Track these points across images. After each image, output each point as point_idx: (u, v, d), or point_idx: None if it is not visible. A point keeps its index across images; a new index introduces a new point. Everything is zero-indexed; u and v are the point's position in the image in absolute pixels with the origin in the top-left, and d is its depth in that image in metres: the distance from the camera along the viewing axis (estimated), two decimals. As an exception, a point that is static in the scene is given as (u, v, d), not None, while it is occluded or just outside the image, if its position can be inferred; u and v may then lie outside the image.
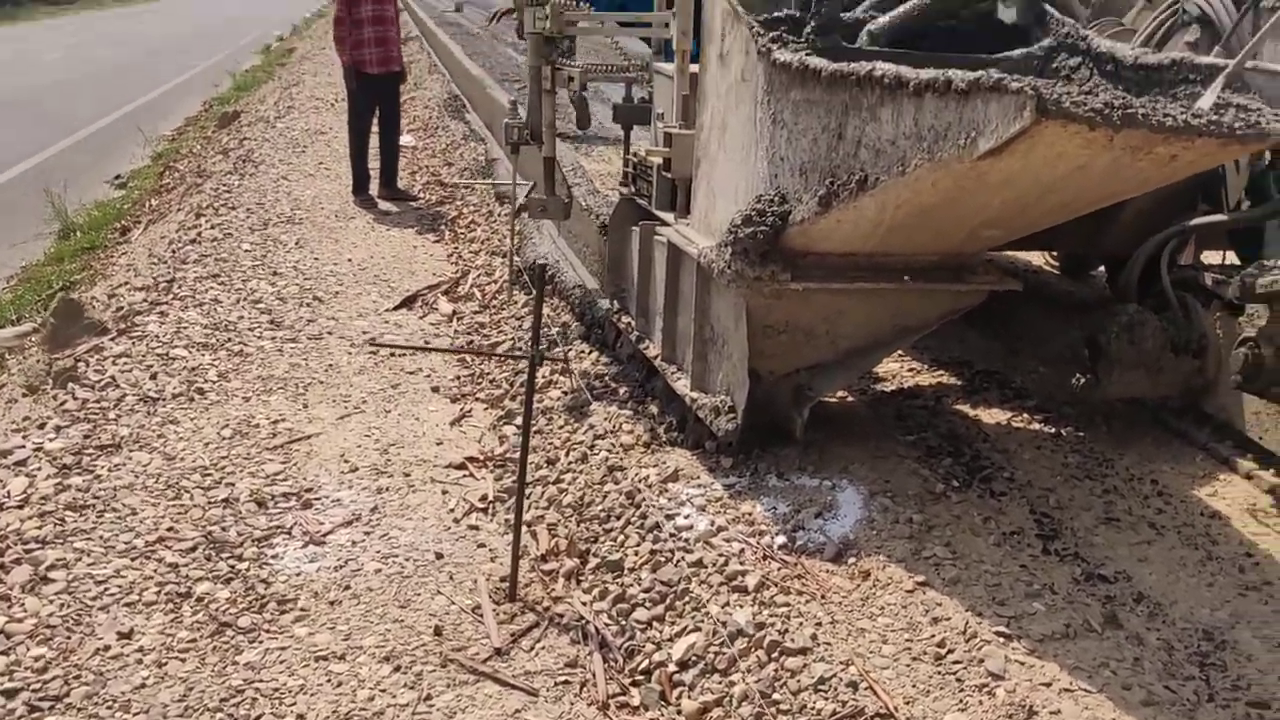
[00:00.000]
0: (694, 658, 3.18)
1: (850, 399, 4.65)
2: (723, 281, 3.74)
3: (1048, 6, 3.97)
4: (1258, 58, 3.59)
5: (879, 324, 3.88)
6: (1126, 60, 3.53)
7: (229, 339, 5.94)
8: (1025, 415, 4.49)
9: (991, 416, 4.48)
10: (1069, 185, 3.09)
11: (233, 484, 4.38)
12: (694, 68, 4.35)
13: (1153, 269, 4.29)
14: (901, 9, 3.91)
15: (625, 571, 3.63)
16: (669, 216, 4.49)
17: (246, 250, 7.66)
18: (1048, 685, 2.85)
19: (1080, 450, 4.17)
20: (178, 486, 4.31)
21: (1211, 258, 4.73)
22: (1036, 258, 6.67)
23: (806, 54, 3.44)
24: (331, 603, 3.64)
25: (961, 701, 2.82)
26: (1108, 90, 3.21)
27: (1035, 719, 2.72)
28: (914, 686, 2.88)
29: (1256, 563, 3.47)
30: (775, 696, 2.92)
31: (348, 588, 3.73)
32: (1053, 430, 4.35)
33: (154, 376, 5.35)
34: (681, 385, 4.23)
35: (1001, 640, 3.02)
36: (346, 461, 4.65)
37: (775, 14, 3.81)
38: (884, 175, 3.09)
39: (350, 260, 7.62)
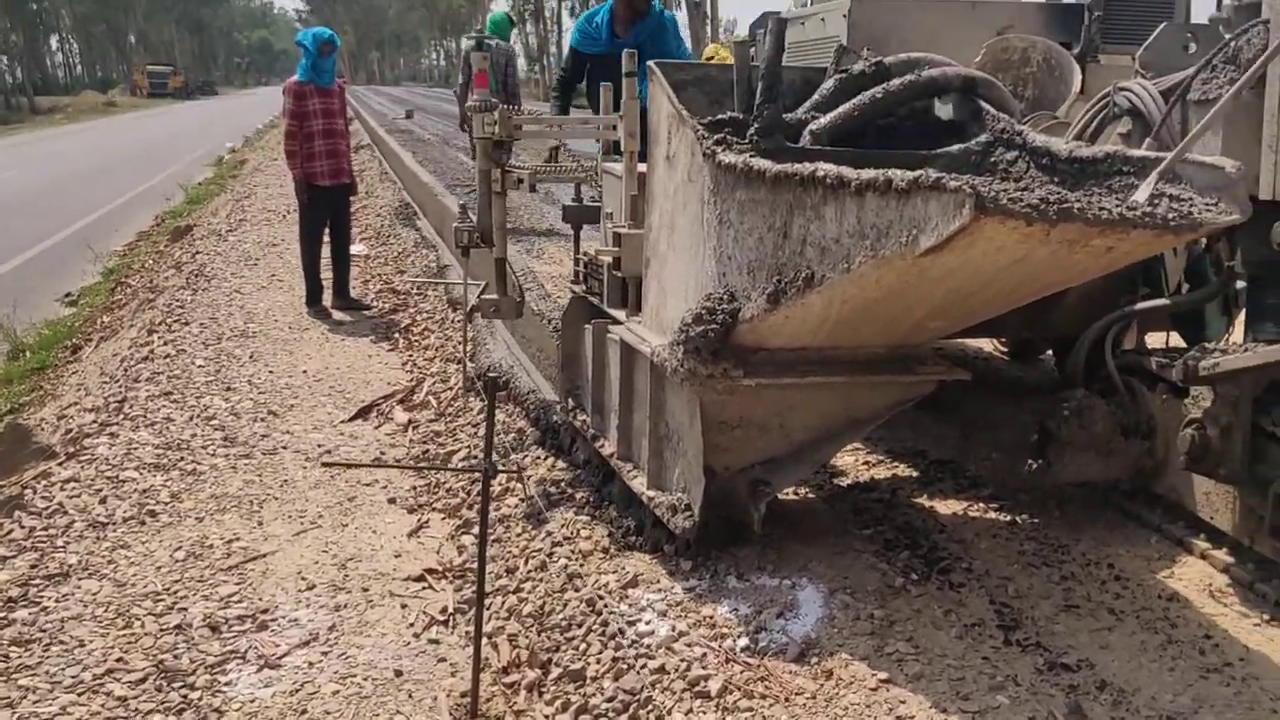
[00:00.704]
0: (659, 769, 3.13)
1: (808, 495, 4.66)
2: (676, 379, 3.76)
3: (983, 103, 4.07)
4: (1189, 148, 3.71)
5: (831, 416, 3.91)
6: (1061, 154, 3.62)
7: (181, 458, 5.88)
8: (980, 504, 4.52)
9: (947, 507, 4.50)
10: (1009, 276, 3.15)
11: (185, 609, 4.30)
12: (642, 168, 4.42)
13: (1098, 354, 4.35)
14: (841, 109, 3.99)
15: (588, 681, 3.58)
16: (621, 314, 4.52)
17: (200, 366, 7.62)
18: (1015, 781, 2.82)
19: (1036, 537, 4.19)
20: (128, 614, 4.23)
21: (1155, 340, 4.83)
22: (986, 344, 6.77)
23: (751, 155, 3.51)
24: (287, 728, 3.57)
25: (930, 802, 2.79)
26: (1043, 185, 3.29)
27: (1004, 818, 2.69)
28: (882, 789, 2.85)
29: (1216, 644, 3.48)
30: (743, 806, 2.87)
31: (304, 712, 3.65)
32: (1008, 518, 4.37)
33: (103, 500, 5.28)
34: (638, 483, 4.22)
35: (967, 736, 2.99)
36: (303, 579, 4.58)
37: (719, 116, 3.89)
38: (830, 272, 3.13)
39: (305, 372, 7.60)
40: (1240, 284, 4.08)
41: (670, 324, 3.78)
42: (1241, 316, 4.13)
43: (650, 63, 4.20)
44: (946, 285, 3.20)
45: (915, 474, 4.88)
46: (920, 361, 3.85)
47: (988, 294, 3.33)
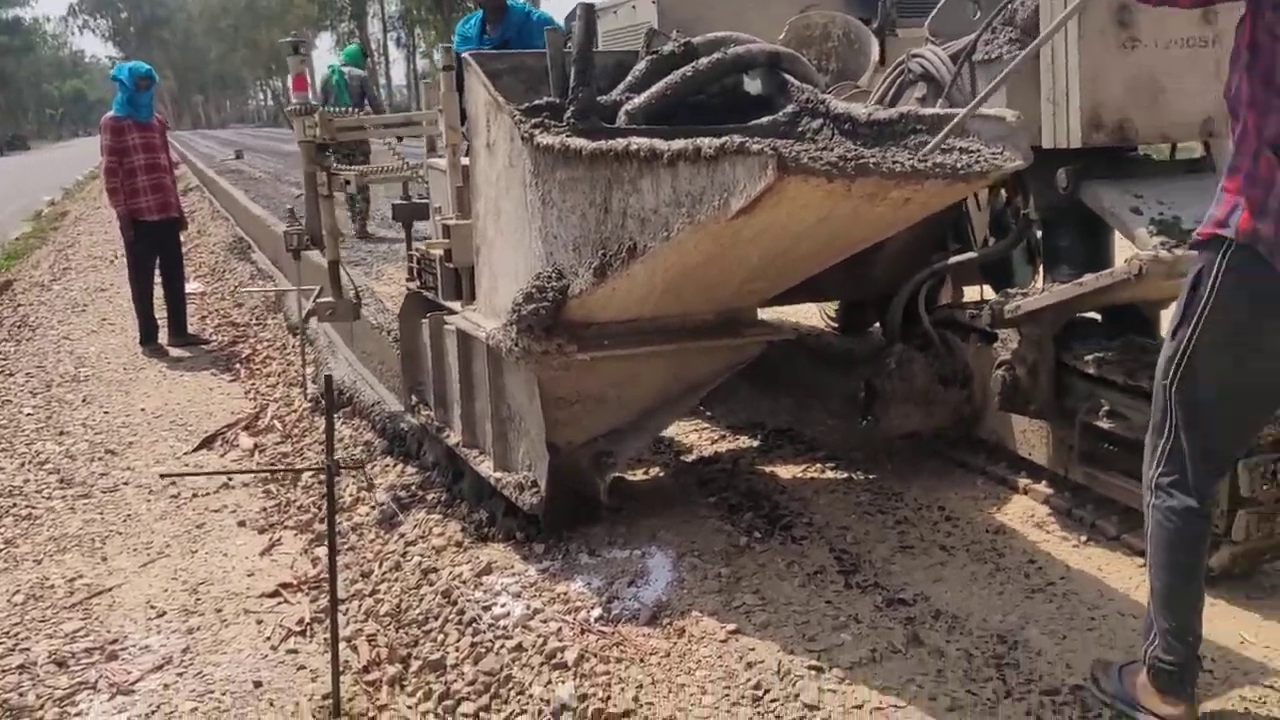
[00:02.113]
0: (523, 741, 3.18)
1: (655, 474, 4.77)
2: (512, 359, 3.83)
3: (788, 76, 4.25)
4: (966, 104, 3.95)
5: (667, 384, 4.03)
6: (861, 118, 3.82)
7: (14, 504, 5.68)
8: (817, 465, 4.70)
9: (787, 470, 4.67)
10: (819, 233, 3.32)
11: (28, 648, 4.17)
12: (467, 161, 4.48)
13: (914, 310, 4.58)
14: (653, 89, 4.11)
15: (448, 669, 3.61)
16: (456, 305, 4.57)
17: (28, 414, 7.36)
18: (859, 708, 2.97)
19: (870, 489, 4.39)
20: (-34, 660, 4.08)
21: (972, 292, 5.10)
22: (818, 321, 7.03)
23: (568, 136, 3.61)
24: (145, 750, 3.50)
25: (782, 736, 2.91)
26: (842, 145, 3.47)
27: (851, 740, 2.84)
28: (736, 729, 2.96)
29: (1040, 567, 3.71)
30: (605, 762, 2.95)
31: (162, 732, 3.59)
32: (844, 475, 4.56)
33: (-66, 552, 5.07)
34: (485, 467, 4.27)
35: (814, 673, 3.13)
36: (153, 607, 4.49)
37: (536, 102, 3.98)
38: (651, 242, 3.25)
39: (144, 410, 7.40)
40: (1039, 232, 4.35)
41: (504, 308, 3.85)
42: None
43: (464, 54, 4.28)
44: (761, 245, 3.35)
45: (756, 444, 5.05)
46: (747, 325, 4.01)
47: (801, 252, 3.50)
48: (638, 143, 3.21)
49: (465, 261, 4.44)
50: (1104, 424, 3.79)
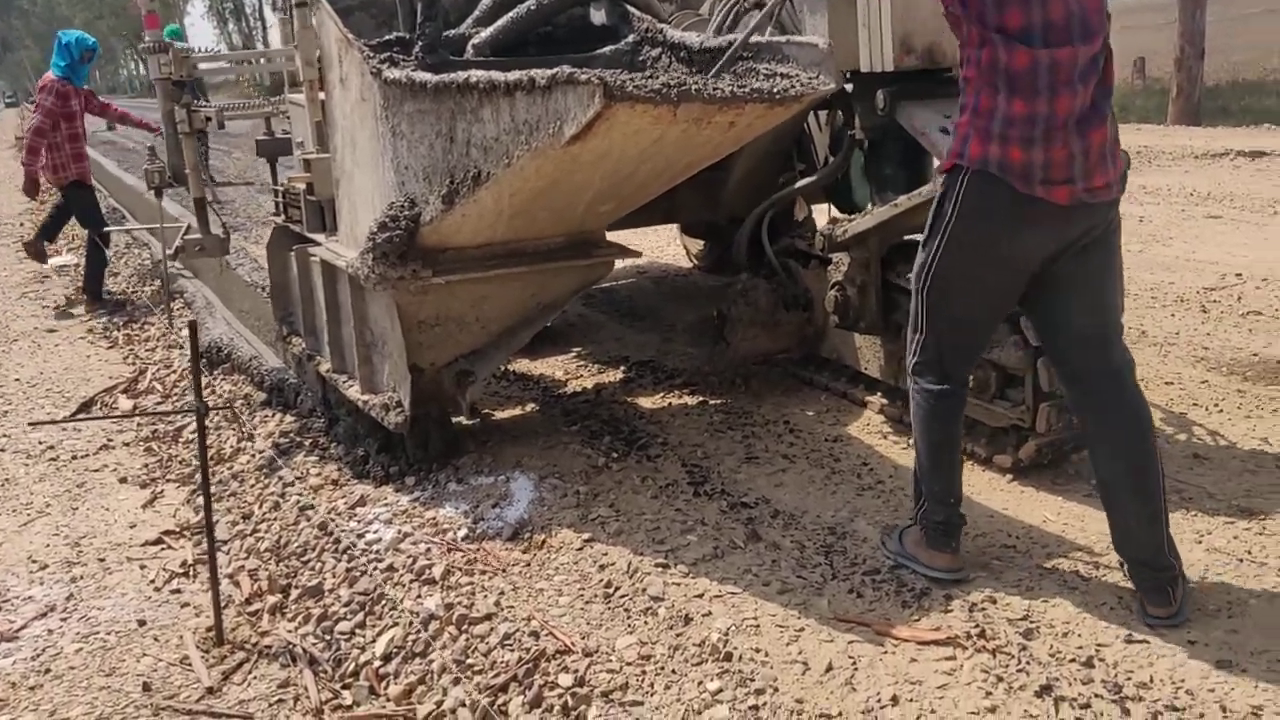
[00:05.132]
0: (395, 649, 3.40)
1: (524, 409, 5.00)
2: (371, 286, 4.01)
3: (630, 7, 4.46)
4: (797, 32, 4.22)
5: (522, 304, 4.26)
6: (695, 46, 4.05)
7: (-110, 474, 5.69)
8: (676, 392, 4.98)
9: (647, 398, 4.94)
10: (655, 156, 3.57)
11: (-91, 608, 4.26)
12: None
13: (758, 240, 4.87)
14: (500, 23, 4.29)
15: (325, 594, 3.82)
16: (320, 237, 4.73)
17: (-103, 391, 7.29)
18: (700, 596, 3.26)
19: (723, 410, 4.68)
20: None
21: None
22: (684, 262, 7.30)
23: (414, 70, 3.79)
24: (31, 688, 3.64)
25: (630, 626, 3.18)
26: (668, 73, 3.72)
27: (690, 624, 3.12)
28: (588, 623, 3.22)
29: (871, 469, 4.05)
30: (469, 661, 3.19)
31: (48, 670, 3.73)
32: (699, 399, 4.85)
33: None
34: (353, 391, 4.46)
35: (660, 570, 3.41)
36: (35, 561, 4.59)
37: (385, 37, 4.15)
38: (494, 169, 3.46)
39: (18, 380, 7.37)
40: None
41: (364, 237, 4.03)
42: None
43: None
44: (601, 169, 3.58)
45: (620, 377, 5.31)
46: (596, 246, 4.24)
47: (642, 174, 3.74)
48: (478, 75, 3.42)
49: (326, 194, 4.59)
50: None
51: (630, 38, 4.34)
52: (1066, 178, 2.86)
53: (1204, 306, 5.87)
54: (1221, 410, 4.40)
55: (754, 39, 3.86)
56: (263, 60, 6.00)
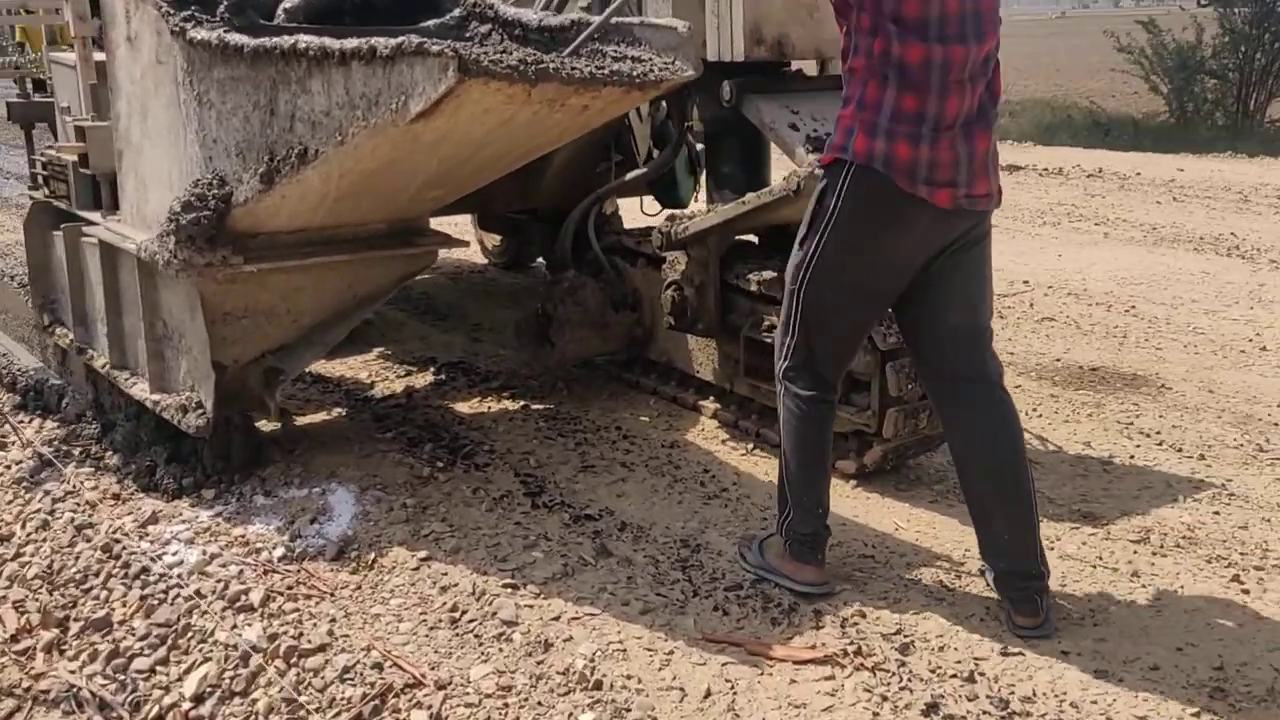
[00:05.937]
0: (209, 688, 2.98)
1: (331, 414, 4.61)
2: (170, 273, 3.54)
3: None
4: (645, 13, 4.03)
5: (339, 296, 3.88)
6: (532, 24, 3.79)
7: None
8: (495, 396, 4.70)
9: (464, 402, 4.64)
10: (499, 139, 3.30)
11: None
12: (100, 55, 4.09)
13: (584, 238, 4.65)
14: None
15: (115, 626, 3.34)
16: (96, 216, 4.18)
17: None
18: (557, 619, 3.00)
19: (549, 415, 4.43)
20: None
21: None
22: (479, 258, 7.01)
23: (225, 31, 3.36)
24: None
25: (483, 654, 2.90)
26: (520, 50, 3.44)
27: (551, 650, 2.87)
28: (436, 652, 2.91)
29: (714, 476, 3.90)
30: (302, 700, 2.83)
31: None
32: (521, 404, 4.59)
33: None
34: (139, 390, 3.96)
35: (510, 591, 3.14)
36: None
37: None
38: (324, 146, 3.10)
39: None
40: (700, 146, 4.49)
41: (156, 217, 3.56)
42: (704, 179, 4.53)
43: None
44: (441, 151, 3.28)
45: (430, 379, 4.98)
46: (419, 234, 3.93)
47: (481, 158, 3.46)
48: (306, 40, 3.05)
49: (105, 167, 4.04)
50: (766, 338, 3.99)
51: (456, 11, 4.03)
52: (950, 180, 2.77)
53: (1000, 313, 6.05)
54: (1040, 415, 4.49)
55: (596, 19, 3.64)
56: (20, 11, 5.31)
